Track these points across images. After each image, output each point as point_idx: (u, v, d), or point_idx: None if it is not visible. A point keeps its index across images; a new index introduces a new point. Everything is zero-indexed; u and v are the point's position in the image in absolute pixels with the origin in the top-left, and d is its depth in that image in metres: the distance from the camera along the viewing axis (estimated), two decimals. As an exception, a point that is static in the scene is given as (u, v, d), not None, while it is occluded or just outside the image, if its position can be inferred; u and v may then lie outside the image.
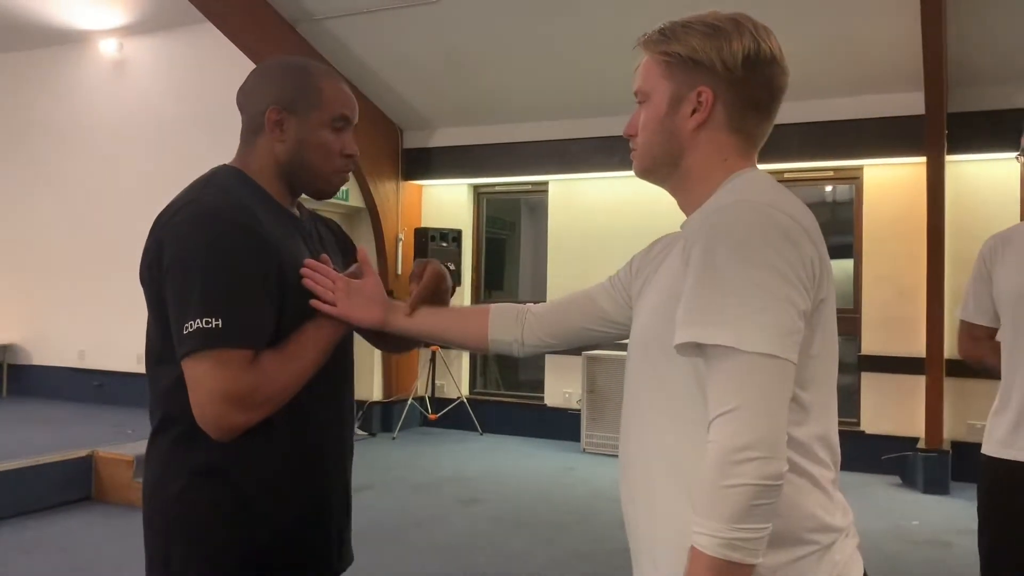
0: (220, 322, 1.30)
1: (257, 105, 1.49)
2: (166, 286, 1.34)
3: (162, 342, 1.40)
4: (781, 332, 1.05)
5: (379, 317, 1.50)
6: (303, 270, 1.45)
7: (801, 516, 1.12)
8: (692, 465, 1.08)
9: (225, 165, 1.52)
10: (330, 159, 1.51)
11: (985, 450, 2.36)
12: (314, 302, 1.44)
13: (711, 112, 1.21)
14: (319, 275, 1.46)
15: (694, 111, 1.22)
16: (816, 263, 1.12)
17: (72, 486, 5.18)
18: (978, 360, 2.50)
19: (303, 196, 1.58)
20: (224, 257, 1.33)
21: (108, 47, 8.29)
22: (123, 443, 5.55)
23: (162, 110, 7.97)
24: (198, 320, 1.29)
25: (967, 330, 2.51)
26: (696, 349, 1.09)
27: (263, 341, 1.35)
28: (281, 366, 1.37)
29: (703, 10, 1.25)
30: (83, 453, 5.30)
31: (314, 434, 1.47)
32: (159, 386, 1.43)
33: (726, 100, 1.21)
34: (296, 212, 1.56)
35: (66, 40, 8.37)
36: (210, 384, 1.30)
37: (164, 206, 1.44)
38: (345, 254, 1.69)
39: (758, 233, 1.09)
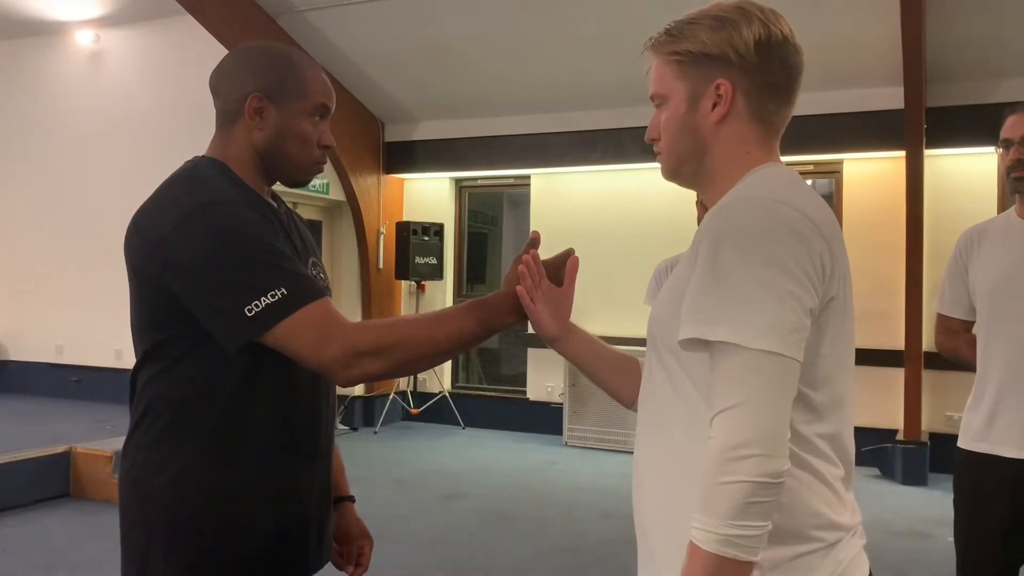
0: (284, 290, 1.30)
1: (237, 91, 1.46)
2: (190, 285, 1.32)
3: (153, 334, 1.39)
4: (785, 330, 1.04)
5: (556, 333, 1.46)
6: (526, 257, 1.42)
7: (807, 513, 1.11)
8: (698, 460, 1.07)
9: (204, 157, 1.50)
10: (309, 150, 1.50)
11: (960, 443, 2.38)
12: (519, 289, 1.42)
13: (732, 103, 1.20)
14: (534, 268, 1.43)
15: (715, 105, 1.20)
16: (826, 260, 1.11)
17: (49, 483, 5.12)
18: (953, 353, 2.52)
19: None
20: (251, 239, 1.33)
21: (85, 38, 8.19)
22: (101, 439, 5.50)
23: (140, 102, 7.89)
24: (263, 297, 1.29)
25: (943, 323, 2.53)
26: (702, 345, 1.09)
27: (325, 294, 1.36)
28: (404, 321, 1.40)
29: (690, 6, 1.24)
30: (61, 449, 5.24)
31: (294, 429, 1.45)
32: (143, 377, 1.42)
33: (745, 89, 1.20)
34: (274, 203, 1.55)
35: (42, 31, 8.26)
36: (309, 334, 1.30)
37: (141, 200, 1.42)
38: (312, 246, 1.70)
39: (764, 229, 1.08)
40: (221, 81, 1.49)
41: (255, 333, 1.30)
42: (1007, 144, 2.31)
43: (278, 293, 1.29)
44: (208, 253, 1.31)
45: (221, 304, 1.31)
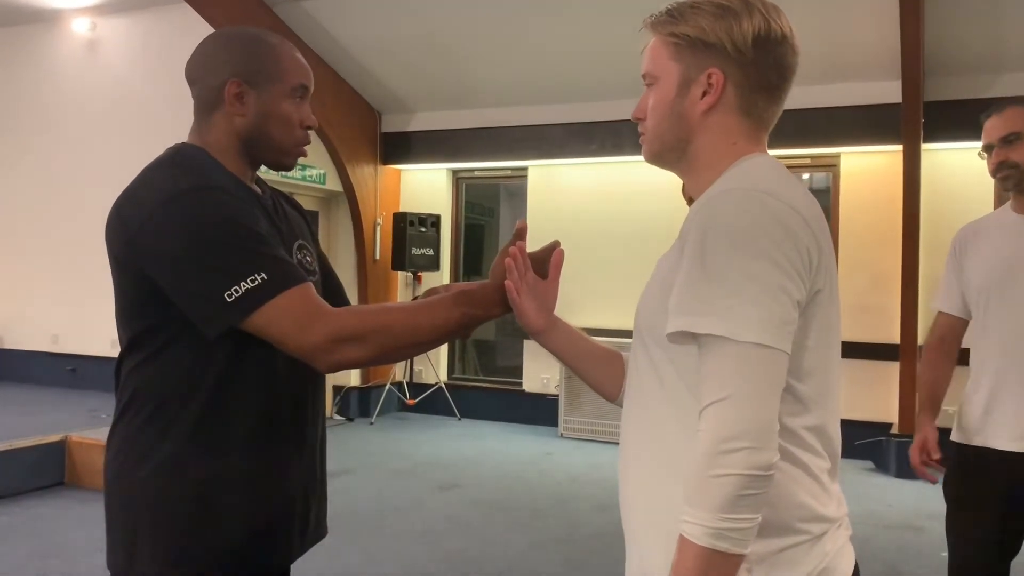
0: (264, 275, 1.29)
1: (214, 78, 1.45)
2: (170, 271, 1.32)
3: (135, 323, 1.39)
4: (774, 322, 1.04)
5: (541, 326, 1.45)
6: (512, 250, 1.42)
7: (793, 505, 1.11)
8: (684, 453, 1.07)
9: (185, 143, 1.49)
10: (291, 131, 1.49)
11: (954, 437, 2.38)
12: (507, 283, 1.42)
13: (721, 95, 1.19)
14: (520, 260, 1.43)
15: (704, 94, 1.19)
16: (813, 252, 1.10)
17: (45, 471, 5.12)
18: (923, 380, 2.54)
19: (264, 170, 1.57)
20: (231, 224, 1.32)
21: (81, 26, 8.15)
22: (97, 428, 5.49)
23: (136, 90, 7.86)
24: (243, 283, 1.28)
25: (938, 323, 2.54)
26: (689, 338, 1.08)
27: (307, 279, 1.36)
28: (386, 308, 1.40)
29: None
30: (56, 438, 5.24)
31: (278, 418, 1.45)
32: (127, 367, 1.42)
33: (736, 82, 1.19)
34: (257, 189, 1.54)
35: (38, 19, 8.22)
36: (290, 319, 1.30)
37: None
38: (309, 229, 1.70)
39: (752, 221, 1.07)
40: (196, 69, 1.48)
41: (235, 318, 1.30)
42: (989, 149, 2.33)
43: (258, 278, 1.29)
44: (188, 238, 1.30)
45: (201, 289, 1.30)
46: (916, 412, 2.45)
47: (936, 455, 2.40)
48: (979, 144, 2.40)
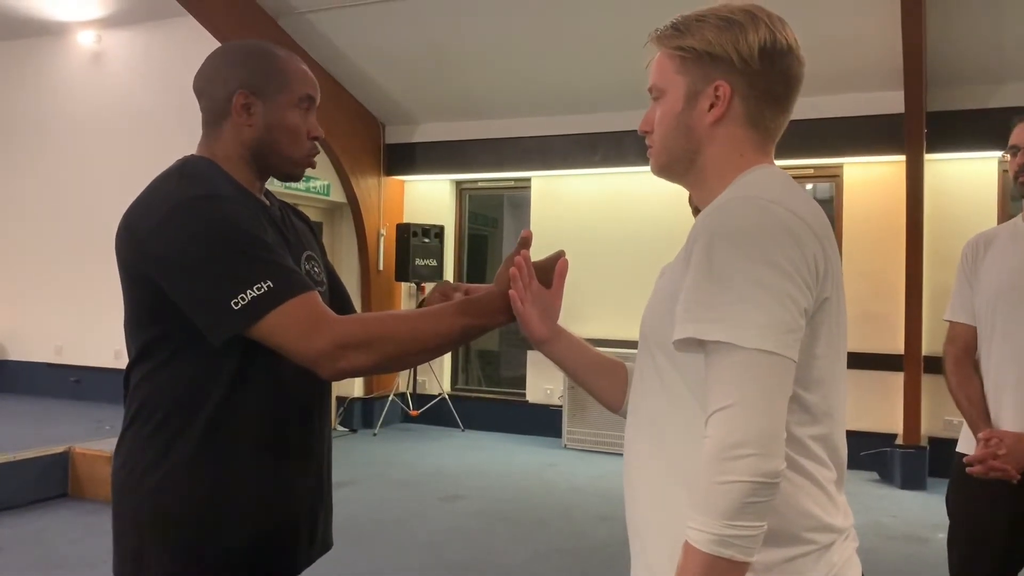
0: (270, 283, 1.30)
1: (222, 90, 1.47)
2: (177, 278, 1.32)
3: (144, 333, 1.40)
4: (780, 329, 1.04)
5: (544, 335, 1.45)
6: (517, 259, 1.42)
7: (800, 515, 1.11)
8: (690, 461, 1.07)
9: (194, 155, 1.50)
10: (299, 142, 1.50)
11: (960, 448, 2.35)
12: (511, 293, 1.42)
13: (729, 106, 1.20)
14: (525, 269, 1.43)
15: (711, 106, 1.20)
16: (820, 261, 1.10)
17: (49, 483, 5.11)
18: (954, 387, 2.49)
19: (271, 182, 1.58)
20: (238, 232, 1.33)
21: (86, 39, 8.20)
22: (100, 439, 5.49)
23: (141, 103, 7.89)
24: (249, 290, 1.29)
25: (951, 334, 2.50)
26: (696, 345, 1.08)
27: (312, 287, 1.36)
28: (390, 316, 1.40)
29: (688, 7, 1.23)
30: (60, 449, 5.23)
31: (285, 428, 1.46)
32: (136, 376, 1.42)
33: (743, 93, 1.19)
34: (265, 200, 1.55)
35: (44, 32, 8.27)
36: (295, 327, 1.30)
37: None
38: (316, 241, 1.71)
39: (760, 229, 1.07)
40: (204, 82, 1.50)
41: (241, 326, 1.30)
42: (1015, 151, 2.32)
43: (264, 286, 1.29)
44: (194, 246, 1.31)
45: (207, 296, 1.31)
46: (968, 427, 2.33)
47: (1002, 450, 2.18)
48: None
